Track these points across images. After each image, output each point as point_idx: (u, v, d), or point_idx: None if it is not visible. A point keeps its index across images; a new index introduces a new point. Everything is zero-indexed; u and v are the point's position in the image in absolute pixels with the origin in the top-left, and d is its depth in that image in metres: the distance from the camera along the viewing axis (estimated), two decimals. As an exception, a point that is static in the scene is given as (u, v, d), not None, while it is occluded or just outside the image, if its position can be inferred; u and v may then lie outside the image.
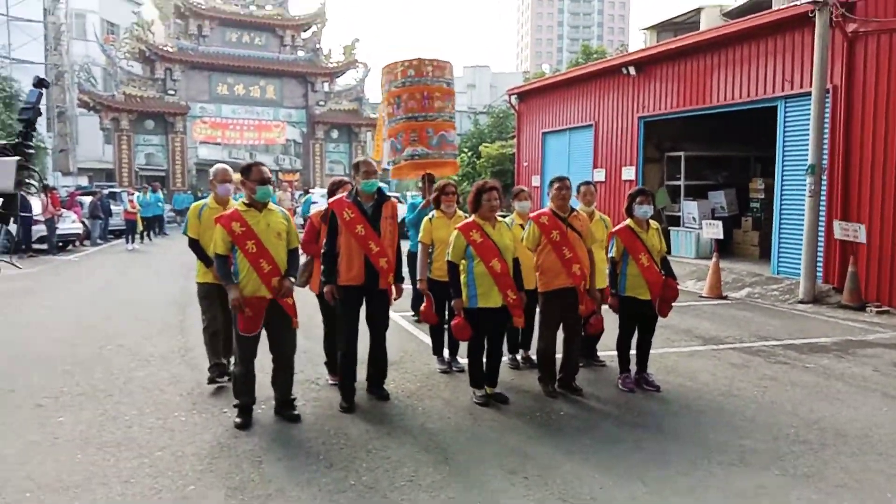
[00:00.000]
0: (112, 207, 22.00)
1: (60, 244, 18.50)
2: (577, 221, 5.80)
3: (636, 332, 6.04)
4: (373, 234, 5.24)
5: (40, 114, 3.17)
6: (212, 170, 6.07)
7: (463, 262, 5.40)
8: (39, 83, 3.20)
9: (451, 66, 8.36)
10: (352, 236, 5.22)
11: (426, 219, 6.41)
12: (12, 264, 3.34)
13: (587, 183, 6.84)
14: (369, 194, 5.32)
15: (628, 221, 5.97)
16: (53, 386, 5.92)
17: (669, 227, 15.29)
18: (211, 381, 5.83)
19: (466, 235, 5.35)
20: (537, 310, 5.89)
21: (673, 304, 6.00)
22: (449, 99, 8.22)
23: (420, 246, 6.37)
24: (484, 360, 5.54)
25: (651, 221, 6.04)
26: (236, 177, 5.53)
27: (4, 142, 3.01)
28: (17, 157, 2.93)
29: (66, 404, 5.44)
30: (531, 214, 5.99)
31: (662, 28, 25.71)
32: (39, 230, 17.43)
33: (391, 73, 8.12)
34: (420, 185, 8.50)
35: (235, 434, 4.78)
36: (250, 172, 4.89)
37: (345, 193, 5.51)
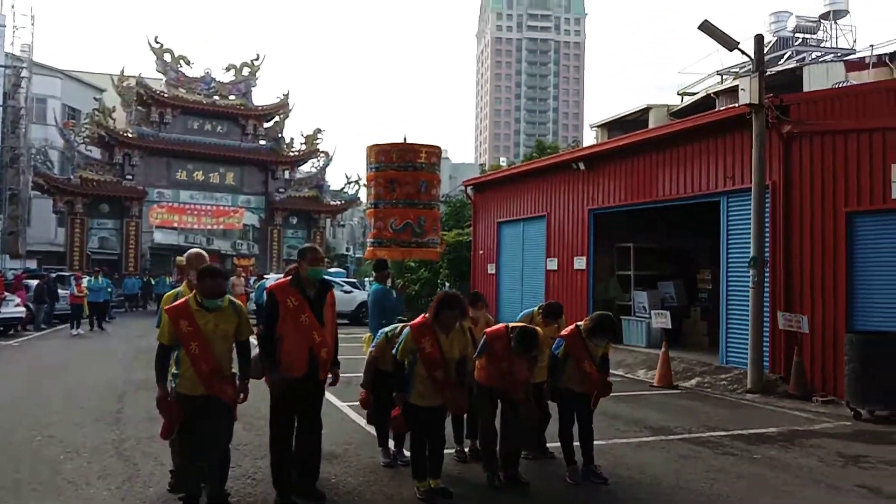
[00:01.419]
0: (59, 291, 21.42)
1: (2, 329, 17.85)
2: (523, 366, 5.72)
3: (577, 424, 6.00)
4: (316, 323, 5.15)
5: None
6: (186, 255, 5.83)
7: (408, 359, 5.37)
8: None
9: (440, 150, 8.57)
10: (296, 325, 5.10)
11: (383, 336, 6.22)
12: None
13: (556, 316, 6.73)
14: (313, 281, 5.28)
15: (581, 326, 5.99)
16: (-27, 480, 5.59)
17: (621, 317, 15.47)
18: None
19: (416, 341, 5.30)
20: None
21: (610, 395, 6.07)
22: (438, 187, 8.43)
23: (369, 357, 6.27)
24: (427, 451, 5.42)
25: None
26: (180, 259, 5.47)
27: None
28: None
29: (-16, 500, 5.12)
30: (487, 330, 5.96)
31: (612, 126, 26.75)
32: (-21, 314, 16.84)
33: (385, 154, 8.23)
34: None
35: (163, 532, 4.54)
36: (203, 282, 4.78)
37: (286, 278, 5.43)
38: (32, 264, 33.51)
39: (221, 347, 4.80)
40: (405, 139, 8.77)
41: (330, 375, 5.37)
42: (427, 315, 5.40)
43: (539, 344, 5.72)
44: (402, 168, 8.22)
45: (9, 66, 35.27)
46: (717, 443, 7.47)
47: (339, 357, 5.43)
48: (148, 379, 10.26)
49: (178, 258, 35.28)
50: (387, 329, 6.29)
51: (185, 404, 4.72)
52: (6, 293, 18.52)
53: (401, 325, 6.21)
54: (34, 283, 21.07)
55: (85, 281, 21.08)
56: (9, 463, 6.07)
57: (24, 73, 36.13)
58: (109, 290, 22.40)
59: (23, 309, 19.26)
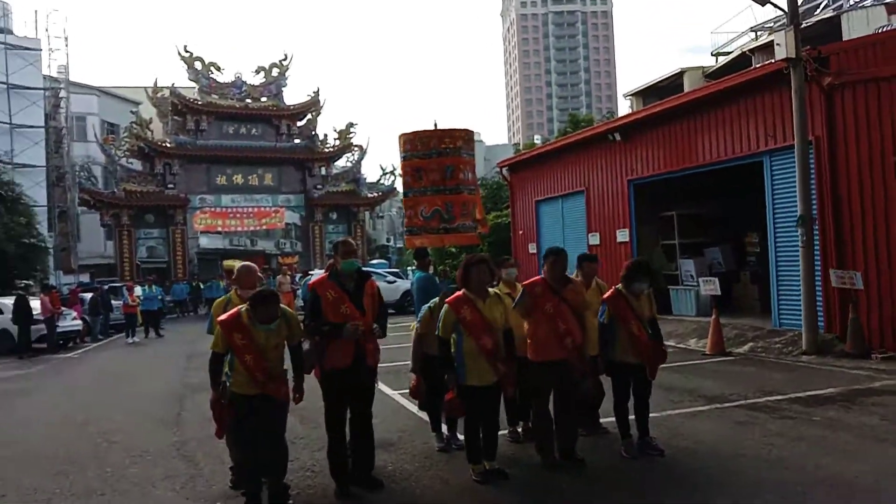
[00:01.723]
0: (112, 302, 22.05)
1: (61, 342, 18.47)
2: (571, 293, 5.74)
3: (632, 397, 5.93)
4: (356, 312, 5.20)
5: None
6: (236, 270, 5.91)
7: (453, 336, 5.36)
8: None
9: (472, 134, 8.53)
10: (337, 316, 5.17)
11: (426, 310, 6.26)
12: None
13: (590, 260, 6.77)
14: (349, 273, 5.32)
15: (620, 287, 5.95)
16: (46, 488, 5.80)
17: (668, 287, 15.26)
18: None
19: (456, 311, 5.30)
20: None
21: (664, 365, 5.94)
22: (467, 170, 8.38)
23: (414, 336, 6.30)
24: (481, 433, 5.42)
25: None
26: (228, 263, 5.59)
27: None
28: None
29: (57, 507, 5.31)
30: (524, 282, 5.97)
31: (647, 93, 26.28)
32: (39, 329, 17.43)
33: (415, 143, 8.23)
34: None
35: (228, 528, 4.65)
36: (256, 310, 4.83)
37: (325, 273, 5.50)
38: (85, 278, 34.56)
39: (274, 355, 4.91)
40: (435, 125, 8.71)
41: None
42: (459, 284, 5.43)
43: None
44: (427, 156, 8.19)
45: (47, 88, 36.24)
46: (773, 407, 7.34)
47: (385, 346, 5.47)
48: (204, 382, 10.52)
49: (226, 262, 35.95)
50: (429, 304, 6.31)
51: (240, 403, 4.83)
52: (63, 308, 19.14)
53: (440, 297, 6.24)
54: (88, 296, 21.75)
55: (138, 290, 21.65)
56: (77, 471, 6.28)
57: (62, 93, 37.10)
58: (161, 297, 22.99)
59: (80, 322, 19.92)
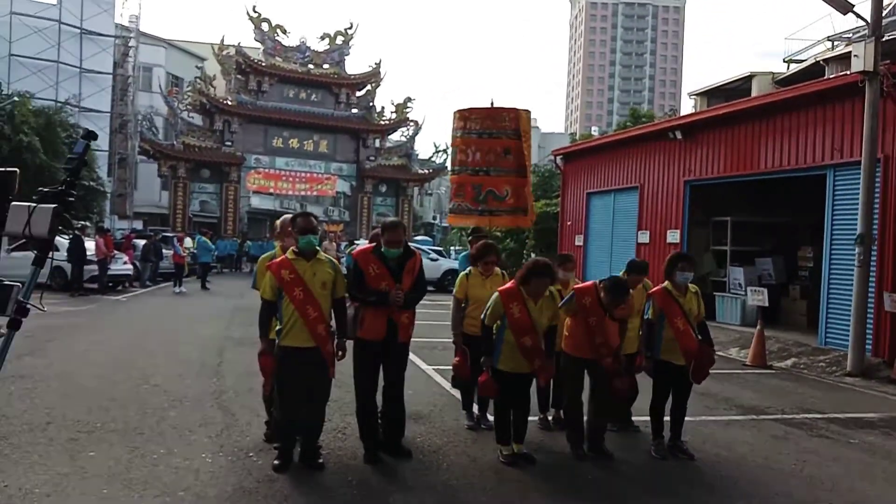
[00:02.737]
0: (163, 251, 22.65)
1: (111, 284, 19.06)
2: (621, 311, 5.64)
3: (670, 398, 5.89)
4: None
5: (86, 164, 3.29)
6: (279, 221, 6.01)
7: (497, 323, 5.40)
8: (87, 135, 3.34)
9: (528, 115, 8.42)
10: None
11: (462, 274, 6.38)
12: (38, 307, 3.49)
13: (638, 272, 6.53)
14: (392, 257, 5.29)
15: (666, 284, 5.89)
16: (89, 420, 6.04)
17: (714, 293, 15.02)
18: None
19: (506, 305, 5.31)
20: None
21: (709, 371, 5.86)
22: (525, 153, 8.28)
23: (453, 300, 6.33)
24: (511, 417, 5.47)
25: (690, 285, 5.95)
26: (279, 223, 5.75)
27: (46, 189, 3.14)
28: (55, 205, 3.05)
29: (99, 439, 5.53)
30: (575, 286, 5.92)
31: (712, 94, 25.68)
32: (92, 270, 18.01)
33: (470, 120, 8.11)
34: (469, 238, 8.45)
35: (258, 479, 4.79)
36: (296, 222, 5.08)
37: (370, 245, 5.56)
38: (138, 225, 35.55)
39: (322, 295, 4.99)
40: (492, 104, 8.58)
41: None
42: (516, 280, 5.40)
43: (629, 296, 5.64)
44: (487, 135, 8.07)
45: (118, 36, 37.08)
46: (811, 425, 7.20)
47: (423, 322, 5.50)
48: (246, 336, 10.83)
49: (277, 222, 36.77)
50: (466, 271, 6.35)
51: (289, 357, 4.94)
52: (115, 251, 19.73)
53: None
54: (141, 243, 22.37)
55: (188, 241, 22.21)
56: (119, 409, 6.52)
57: (132, 42, 37.93)
58: (212, 251, 23.57)
59: (130, 267, 20.53)
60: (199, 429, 5.97)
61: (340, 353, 5.15)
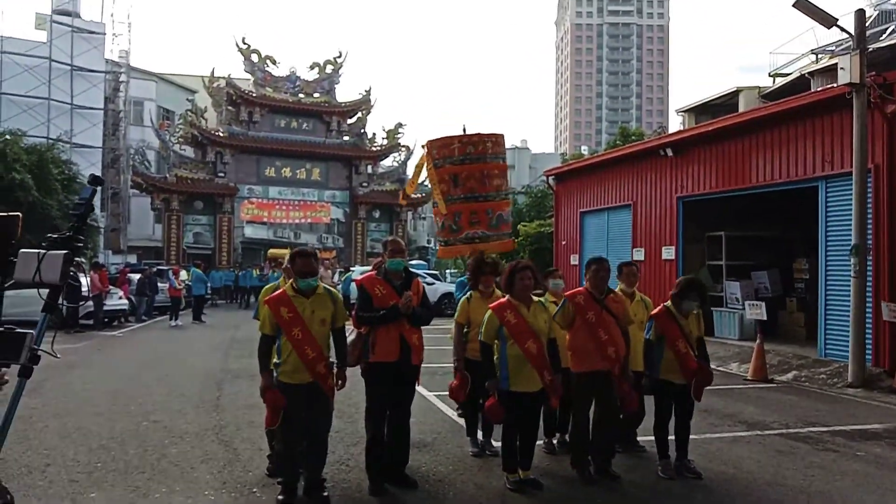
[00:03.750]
0: (158, 284, 22.56)
1: (106, 320, 18.95)
2: (614, 303, 5.73)
3: (673, 417, 5.86)
4: None
5: (93, 209, 3.29)
6: (289, 256, 6.04)
7: (496, 342, 5.35)
8: (94, 181, 3.34)
9: (503, 138, 8.34)
10: None
11: (463, 298, 6.35)
12: (51, 354, 3.46)
13: (629, 264, 6.81)
14: (397, 272, 5.38)
15: (669, 305, 5.88)
16: (89, 461, 5.97)
17: (712, 308, 15.01)
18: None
19: (500, 316, 5.29)
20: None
21: (706, 387, 5.85)
22: (505, 175, 8.22)
23: (455, 326, 6.30)
24: (518, 442, 5.41)
25: None
26: (274, 252, 5.71)
27: (56, 235, 3.13)
28: (66, 252, 3.04)
29: (99, 480, 5.46)
30: (566, 292, 5.95)
31: (700, 110, 25.90)
32: (87, 306, 17.90)
33: (446, 148, 8.06)
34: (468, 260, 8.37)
35: (263, 515, 4.72)
36: (294, 263, 5.02)
37: (373, 271, 5.59)
38: (133, 259, 35.46)
39: (320, 332, 4.96)
40: (464, 130, 8.47)
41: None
42: (503, 290, 5.44)
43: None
44: (462, 161, 7.99)
45: (109, 71, 37.25)
46: (816, 439, 7.17)
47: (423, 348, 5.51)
48: (244, 368, 10.75)
49: (272, 251, 36.42)
50: (467, 293, 6.34)
51: (288, 393, 4.90)
52: (110, 286, 19.64)
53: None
54: (136, 276, 22.28)
55: (183, 274, 22.15)
56: (118, 446, 6.44)
57: (123, 77, 38.10)
58: (206, 283, 23.47)
59: (126, 301, 20.42)
60: (200, 465, 5.90)
61: (340, 382, 5.11)
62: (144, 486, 5.30)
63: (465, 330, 6.12)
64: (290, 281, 5.10)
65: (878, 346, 10.70)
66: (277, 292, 5.11)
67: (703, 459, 6.15)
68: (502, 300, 5.44)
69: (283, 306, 4.92)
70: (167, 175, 34.39)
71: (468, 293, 6.34)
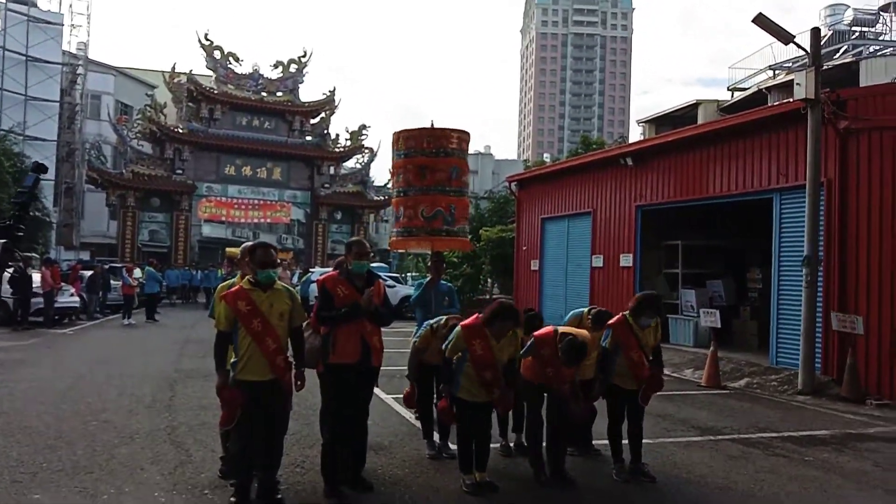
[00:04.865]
0: (111, 282, 22.04)
1: (57, 317, 18.44)
2: (580, 369, 5.75)
3: (626, 421, 5.94)
4: None
5: (35, 198, 3.16)
6: (240, 248, 5.87)
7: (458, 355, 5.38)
8: (37, 168, 3.24)
9: (469, 136, 8.34)
10: None
11: (427, 327, 6.28)
12: None
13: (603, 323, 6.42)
14: (360, 275, 5.33)
15: (627, 315, 5.93)
16: (34, 461, 5.78)
17: (668, 315, 15.24)
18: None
19: (468, 341, 5.30)
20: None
21: (660, 393, 5.97)
22: (467, 173, 8.23)
23: (413, 348, 6.30)
24: (473, 445, 5.42)
25: None
26: (231, 251, 5.61)
27: None
28: (4, 241, 2.93)
29: (44, 481, 5.29)
30: (535, 333, 5.84)
31: (660, 121, 26.35)
32: (38, 303, 17.40)
33: (413, 140, 8.04)
34: (429, 264, 8.32)
35: (215, 516, 4.63)
36: (255, 254, 4.95)
37: (334, 271, 5.53)
38: (85, 256, 34.56)
39: (279, 325, 4.89)
40: (432, 124, 8.48)
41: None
42: (481, 317, 5.37)
43: (586, 354, 5.62)
44: (434, 154, 7.98)
45: (66, 63, 36.37)
46: (767, 444, 7.32)
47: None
48: (197, 368, 10.56)
49: (230, 250, 35.81)
50: (431, 322, 6.32)
51: (246, 391, 4.80)
52: (62, 283, 19.12)
53: (446, 318, 6.22)
54: (88, 273, 21.72)
55: (137, 272, 21.68)
56: (66, 446, 6.26)
57: (80, 70, 37.23)
58: (160, 281, 23.01)
59: (77, 299, 19.89)
60: (151, 466, 5.76)
61: (299, 382, 5.04)
62: (92, 487, 5.16)
63: (422, 355, 6.15)
64: (247, 276, 5.01)
65: (827, 355, 10.97)
66: (234, 288, 5.02)
67: (658, 463, 6.23)
68: (476, 323, 5.36)
69: (241, 300, 4.83)
70: (123, 171, 33.62)
71: (435, 324, 6.20)
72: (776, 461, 6.62)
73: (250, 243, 5.45)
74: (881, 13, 28.38)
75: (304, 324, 5.25)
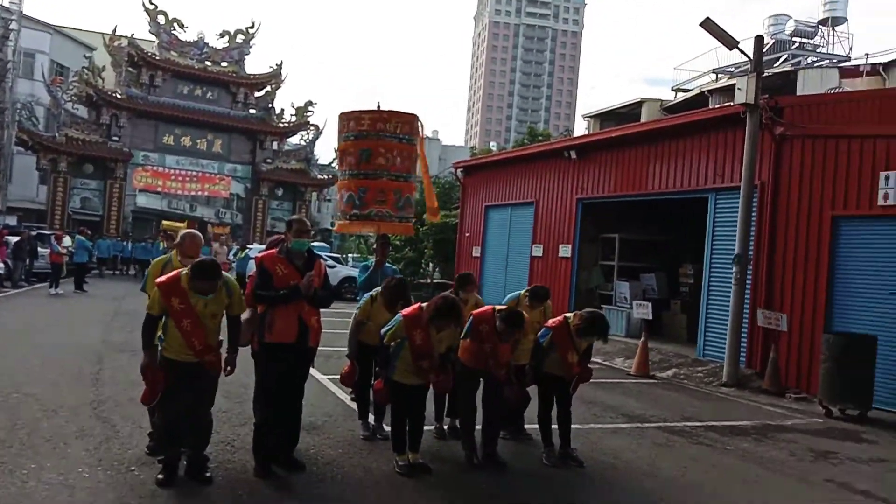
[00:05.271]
0: (39, 249, 21.19)
1: (-22, 284, 17.65)
2: (514, 341, 5.86)
3: (556, 407, 6.09)
4: None
5: None
6: (180, 235, 5.83)
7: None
8: None
9: (418, 120, 8.22)
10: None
11: (367, 298, 6.24)
12: None
13: (542, 300, 6.76)
14: (300, 253, 5.26)
15: (569, 318, 5.98)
16: (-52, 433, 5.55)
17: (602, 306, 15.58)
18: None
19: (408, 331, 5.30)
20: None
21: (589, 381, 6.20)
22: (415, 159, 8.17)
23: (353, 322, 6.26)
24: (407, 426, 5.47)
25: None
26: (169, 224, 5.46)
27: None
28: None
29: (-40, 453, 5.09)
30: (473, 312, 5.94)
31: (605, 117, 26.81)
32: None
33: (357, 122, 7.91)
34: (374, 246, 8.27)
35: (141, 494, 4.54)
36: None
37: (272, 249, 5.43)
38: (12, 221, 33.07)
39: (212, 324, 4.84)
40: (379, 106, 8.38)
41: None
42: (423, 308, 5.38)
43: (524, 326, 5.78)
44: (381, 137, 7.90)
45: (-3, 17, 34.56)
46: (691, 433, 7.59)
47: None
48: (127, 341, 10.29)
49: (167, 223, 34.70)
50: (372, 292, 6.28)
51: (172, 369, 4.72)
52: (-15, 248, 18.29)
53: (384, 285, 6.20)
54: (14, 239, 20.82)
55: (67, 240, 20.88)
56: (-15, 418, 6.03)
57: (13, 25, 35.40)
58: (90, 250, 22.22)
59: (2, 265, 19.07)
60: (75, 441, 5.60)
61: (229, 367, 4.97)
62: (11, 462, 4.98)
63: (363, 325, 6.12)
64: (186, 272, 4.78)
65: (751, 349, 11.42)
66: (171, 276, 4.84)
67: (586, 448, 6.39)
68: (417, 313, 5.36)
69: (176, 297, 4.71)
70: (56, 134, 32.26)
71: (375, 294, 6.21)
72: (699, 449, 6.88)
73: (193, 231, 5.35)
74: (820, 26, 29.39)
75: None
